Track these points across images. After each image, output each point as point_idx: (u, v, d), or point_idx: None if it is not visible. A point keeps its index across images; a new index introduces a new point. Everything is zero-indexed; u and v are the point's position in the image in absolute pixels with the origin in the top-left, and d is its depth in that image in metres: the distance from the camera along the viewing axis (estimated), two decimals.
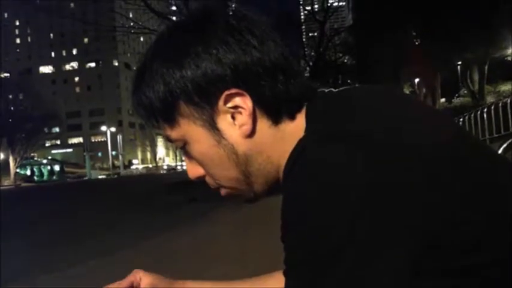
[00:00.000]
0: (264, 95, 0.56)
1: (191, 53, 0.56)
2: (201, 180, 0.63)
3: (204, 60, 0.55)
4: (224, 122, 0.57)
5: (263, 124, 0.57)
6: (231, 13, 0.60)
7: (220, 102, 0.56)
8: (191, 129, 0.58)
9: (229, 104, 0.56)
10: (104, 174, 61.91)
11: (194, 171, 0.62)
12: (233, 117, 0.57)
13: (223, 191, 0.63)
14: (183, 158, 0.65)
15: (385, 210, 0.45)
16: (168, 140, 0.61)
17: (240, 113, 0.56)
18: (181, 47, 0.57)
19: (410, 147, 0.49)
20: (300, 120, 0.57)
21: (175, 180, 13.49)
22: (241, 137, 0.57)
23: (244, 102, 0.56)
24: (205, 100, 0.56)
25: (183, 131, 0.59)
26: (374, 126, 0.51)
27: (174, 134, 0.60)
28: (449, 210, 0.47)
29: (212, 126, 0.57)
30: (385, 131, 0.50)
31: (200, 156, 0.60)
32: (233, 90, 0.56)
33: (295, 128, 0.57)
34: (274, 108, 0.57)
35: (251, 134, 0.57)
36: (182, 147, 0.60)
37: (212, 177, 0.62)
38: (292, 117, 0.58)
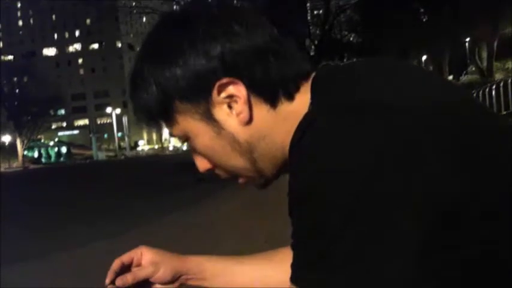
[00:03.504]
0: (256, 80, 0.56)
1: (178, 50, 0.56)
2: (211, 172, 0.63)
3: (191, 55, 0.56)
4: (221, 112, 0.57)
5: (261, 109, 0.57)
6: (213, 4, 0.60)
7: (214, 94, 0.56)
8: (190, 124, 0.58)
9: (223, 94, 0.56)
10: (108, 156, 62.19)
11: (202, 165, 0.63)
12: (230, 107, 0.57)
13: (241, 180, 0.63)
14: (191, 153, 0.64)
15: (399, 181, 0.45)
16: (172, 136, 0.62)
17: (236, 101, 0.56)
18: (168, 46, 0.57)
19: (421, 116, 0.48)
20: (301, 98, 0.57)
21: (182, 160, 13.59)
22: (240, 125, 0.57)
23: (238, 90, 0.56)
24: (198, 94, 0.56)
25: (182, 127, 0.59)
26: (382, 96, 0.50)
27: (175, 131, 0.60)
28: (461, 179, 0.46)
29: (210, 118, 0.57)
30: (395, 100, 0.50)
31: (204, 150, 0.60)
32: (225, 80, 0.55)
33: (297, 107, 0.56)
34: (269, 92, 0.57)
35: (249, 120, 0.57)
36: (187, 141, 0.61)
37: (222, 169, 0.62)
38: (291, 98, 0.57)
